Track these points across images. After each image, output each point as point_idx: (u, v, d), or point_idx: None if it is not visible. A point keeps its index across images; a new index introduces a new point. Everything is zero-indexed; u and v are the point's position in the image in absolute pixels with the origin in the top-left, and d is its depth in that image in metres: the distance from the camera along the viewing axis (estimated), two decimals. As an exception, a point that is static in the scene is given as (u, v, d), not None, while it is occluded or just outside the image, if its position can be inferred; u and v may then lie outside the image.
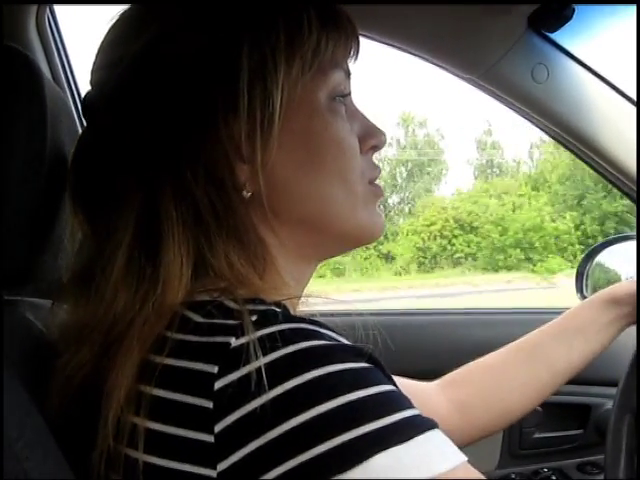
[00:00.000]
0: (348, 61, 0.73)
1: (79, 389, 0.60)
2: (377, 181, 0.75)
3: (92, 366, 0.60)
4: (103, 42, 0.71)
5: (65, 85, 1.41)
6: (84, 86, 1.45)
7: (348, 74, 0.73)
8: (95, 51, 0.72)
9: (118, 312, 0.60)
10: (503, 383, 1.01)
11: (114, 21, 0.71)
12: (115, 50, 0.69)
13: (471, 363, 1.05)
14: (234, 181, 0.65)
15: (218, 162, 0.64)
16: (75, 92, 1.46)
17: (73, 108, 1.40)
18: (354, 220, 0.71)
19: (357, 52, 0.74)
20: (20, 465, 0.54)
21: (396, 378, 0.91)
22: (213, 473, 0.51)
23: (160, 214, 0.62)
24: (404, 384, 0.97)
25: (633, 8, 1.06)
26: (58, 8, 1.38)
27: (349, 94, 0.73)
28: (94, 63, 0.72)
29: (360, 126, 0.73)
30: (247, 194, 0.65)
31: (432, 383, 1.06)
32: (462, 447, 0.54)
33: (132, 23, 0.70)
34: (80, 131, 0.75)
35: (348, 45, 0.72)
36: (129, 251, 0.62)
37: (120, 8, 0.72)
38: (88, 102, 0.72)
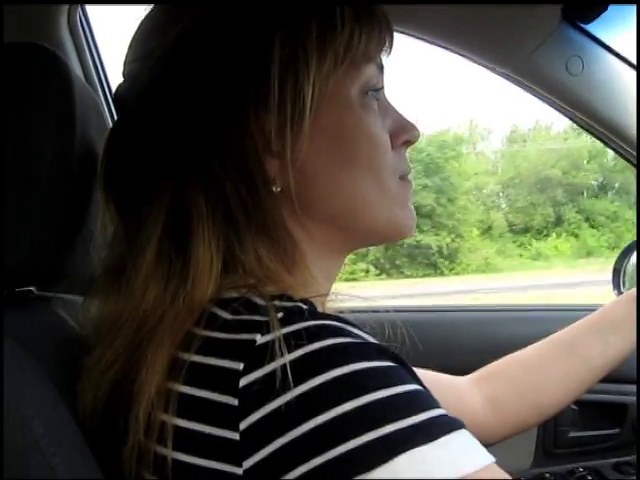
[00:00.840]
0: (382, 55, 0.72)
1: (111, 384, 0.60)
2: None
3: (124, 361, 0.60)
4: (136, 34, 0.72)
5: (97, 83, 1.42)
6: (116, 84, 1.47)
7: (381, 68, 0.72)
8: (128, 44, 0.72)
9: (148, 307, 0.60)
10: (538, 378, 1.00)
11: (147, 13, 0.71)
12: (147, 43, 0.70)
13: (506, 357, 1.04)
14: (264, 176, 0.64)
15: (248, 157, 0.64)
16: (107, 90, 1.47)
17: (105, 106, 1.42)
18: (385, 216, 0.70)
19: (391, 46, 0.73)
20: (46, 461, 0.54)
21: (429, 372, 0.92)
22: (239, 470, 0.50)
23: (190, 209, 0.62)
24: (437, 378, 0.97)
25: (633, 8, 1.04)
26: (90, 7, 1.39)
27: (382, 88, 0.72)
28: (127, 55, 0.72)
29: (392, 121, 0.73)
30: (277, 189, 0.65)
31: (466, 377, 1.04)
32: (496, 443, 0.53)
33: (165, 16, 0.71)
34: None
35: (382, 39, 0.71)
36: (159, 246, 0.62)
37: (149, 6, 0.72)
38: (120, 94, 0.72)
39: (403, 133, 0.73)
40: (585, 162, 20.10)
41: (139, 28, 0.72)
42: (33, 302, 0.75)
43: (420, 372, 0.59)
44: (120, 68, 0.74)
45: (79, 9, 1.33)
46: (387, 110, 0.73)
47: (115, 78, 1.46)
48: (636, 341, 0.98)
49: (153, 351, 0.57)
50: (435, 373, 0.97)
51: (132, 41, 0.72)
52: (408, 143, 0.74)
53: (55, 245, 0.71)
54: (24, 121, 0.67)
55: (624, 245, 1.52)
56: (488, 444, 0.93)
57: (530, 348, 1.03)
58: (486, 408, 0.99)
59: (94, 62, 1.41)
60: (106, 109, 1.40)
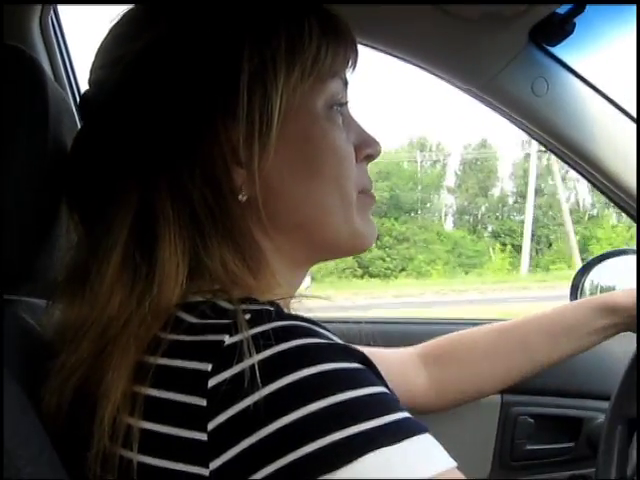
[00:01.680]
0: (346, 71, 0.74)
1: (76, 390, 0.60)
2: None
3: (88, 367, 0.60)
4: (104, 41, 0.72)
5: (67, 86, 1.41)
6: (85, 87, 1.46)
7: (346, 83, 0.74)
8: (95, 50, 0.72)
9: (113, 312, 0.60)
10: (483, 367, 1.07)
11: (116, 21, 0.71)
12: (116, 49, 0.69)
13: (454, 335, 1.11)
14: (230, 184, 0.65)
15: (215, 165, 0.64)
16: (77, 93, 1.45)
17: (74, 109, 1.40)
18: (348, 228, 0.71)
19: (355, 62, 0.75)
20: (12, 464, 0.53)
21: (375, 349, 0.94)
22: (205, 472, 0.51)
23: (156, 213, 0.62)
24: (382, 354, 0.99)
25: (633, 8, 1.06)
26: (61, 9, 1.38)
27: (346, 103, 0.74)
28: (94, 62, 0.72)
29: (356, 135, 0.74)
30: (243, 198, 0.66)
31: (413, 349, 1.10)
32: (452, 454, 0.55)
33: (134, 23, 0.71)
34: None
35: (347, 55, 0.72)
36: (125, 250, 0.62)
37: (122, 8, 0.72)
38: (86, 100, 0.72)
39: (366, 147, 0.74)
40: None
41: (108, 35, 0.72)
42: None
43: (367, 350, 0.60)
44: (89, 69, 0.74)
45: (51, 11, 1.32)
46: (351, 124, 0.74)
47: (85, 81, 1.45)
48: (636, 346, 1.01)
49: (118, 356, 0.57)
50: (382, 350, 1.01)
51: (100, 47, 0.72)
52: (370, 157, 0.76)
53: (21, 248, 0.70)
54: None
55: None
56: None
57: (479, 332, 1.10)
58: (429, 387, 1.05)
59: (64, 64, 1.40)
60: (76, 113, 1.39)
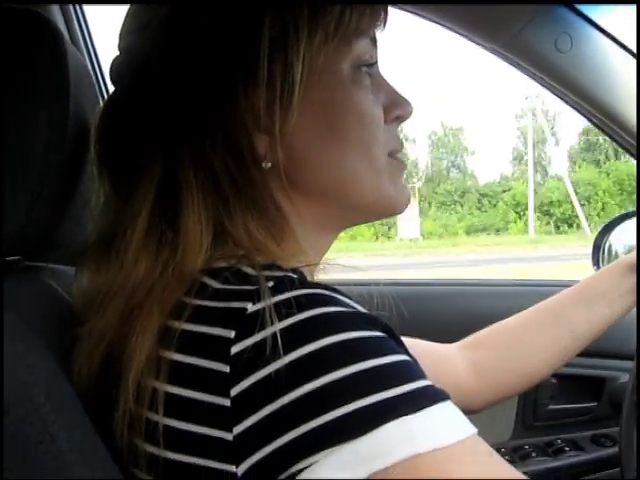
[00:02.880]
0: (374, 30, 0.72)
1: (103, 355, 0.61)
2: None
3: (115, 332, 0.60)
4: (131, 7, 0.71)
5: (84, 50, 1.40)
6: (102, 52, 1.45)
7: (374, 42, 0.72)
8: (124, 16, 0.72)
9: (139, 278, 0.60)
10: (523, 345, 1.02)
11: None
12: (143, 14, 0.69)
13: (492, 326, 1.06)
14: (253, 151, 0.65)
15: (237, 132, 0.64)
16: (94, 58, 1.45)
17: (92, 74, 1.40)
18: (377, 192, 0.71)
19: (385, 21, 0.73)
20: (46, 429, 0.54)
21: (415, 340, 0.93)
22: (229, 436, 0.51)
23: (180, 181, 0.62)
24: (423, 346, 0.98)
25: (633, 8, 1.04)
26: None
27: (375, 63, 0.72)
28: (122, 27, 0.72)
29: (386, 96, 0.72)
30: (266, 165, 0.65)
31: (451, 345, 1.06)
32: (481, 409, 0.55)
33: None
34: (99, 97, 0.74)
35: (374, 15, 0.70)
36: (150, 217, 0.62)
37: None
38: (116, 67, 0.72)
39: (396, 108, 0.73)
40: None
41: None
42: (24, 272, 0.75)
43: (405, 340, 0.60)
44: (107, 36, 0.73)
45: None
46: (380, 85, 0.73)
47: (101, 46, 1.44)
48: (637, 332, 1.00)
49: (143, 320, 0.58)
50: (420, 341, 0.98)
51: (128, 13, 0.71)
52: (400, 119, 0.74)
53: (48, 215, 0.70)
54: (17, 89, 0.67)
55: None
56: (473, 410, 0.96)
57: (515, 316, 1.05)
58: (471, 374, 1.01)
59: (81, 30, 1.39)
60: (93, 77, 1.39)
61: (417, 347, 0.59)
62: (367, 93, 0.70)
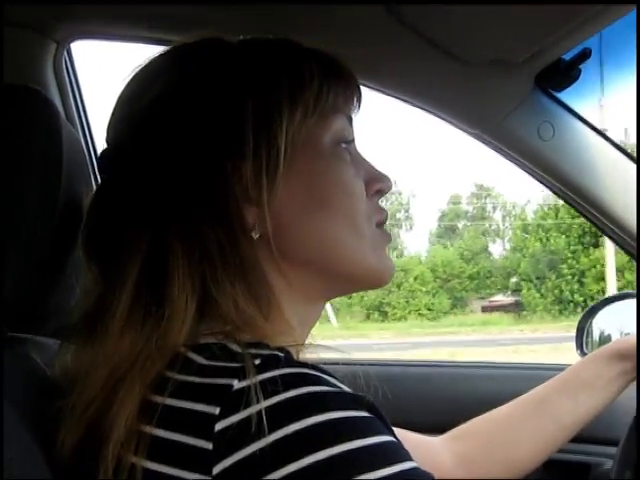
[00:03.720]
0: (351, 109, 0.76)
1: (87, 427, 0.60)
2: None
3: (97, 405, 0.59)
4: (118, 100, 0.74)
5: (78, 125, 1.42)
6: (97, 128, 1.48)
7: (350, 120, 0.75)
8: (111, 110, 0.74)
9: (124, 351, 0.60)
10: (509, 437, 1.00)
11: (127, 79, 0.73)
12: (127, 106, 0.72)
13: (477, 417, 1.04)
14: (242, 222, 0.66)
15: (227, 203, 0.65)
16: (87, 132, 1.47)
17: (85, 149, 1.42)
18: (363, 263, 0.72)
19: (359, 101, 0.77)
20: None
21: (400, 430, 0.92)
22: None
23: (166, 253, 0.63)
24: (408, 437, 0.96)
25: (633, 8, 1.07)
26: (75, 50, 1.41)
27: (352, 140, 0.75)
28: (110, 121, 0.74)
29: (366, 171, 0.75)
30: (255, 235, 0.66)
31: (437, 438, 1.04)
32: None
33: (142, 79, 0.73)
34: (91, 173, 0.76)
35: (348, 93, 0.74)
36: (135, 289, 0.62)
37: (135, 64, 0.74)
38: (105, 158, 0.73)
39: (376, 182, 0.75)
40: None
41: (121, 94, 0.73)
42: (6, 343, 0.74)
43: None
44: (102, 112, 0.75)
45: (65, 51, 1.35)
46: (360, 162, 0.75)
47: (96, 122, 1.47)
48: (637, 363, 0.99)
49: (124, 393, 0.57)
50: (407, 433, 0.97)
51: (115, 107, 0.74)
52: (380, 192, 0.77)
53: (34, 286, 0.70)
54: (11, 162, 0.68)
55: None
56: None
57: (501, 408, 1.04)
58: (457, 466, 0.99)
59: (76, 105, 1.41)
60: (86, 150, 1.40)
61: (404, 439, 0.58)
62: (348, 167, 0.72)
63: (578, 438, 1.03)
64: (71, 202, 0.73)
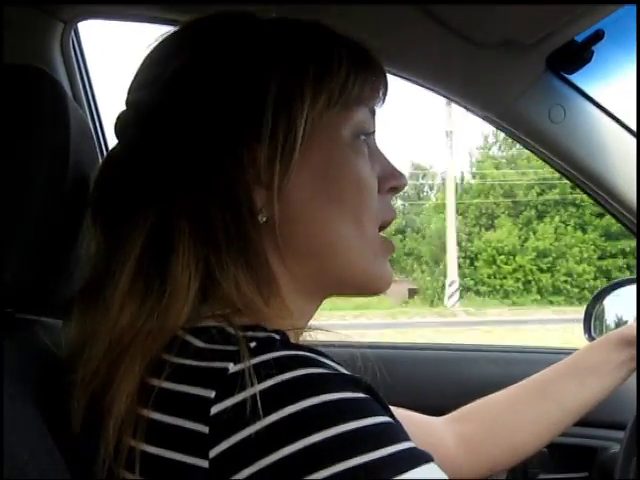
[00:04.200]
0: (376, 101, 0.74)
1: (92, 400, 0.60)
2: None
3: (101, 377, 0.59)
4: (142, 64, 0.73)
5: (86, 106, 1.42)
6: (104, 108, 1.47)
7: (373, 113, 0.74)
8: (135, 72, 0.73)
9: (124, 324, 0.60)
10: (512, 419, 1.00)
11: (153, 45, 0.72)
12: (151, 71, 0.71)
13: (479, 399, 1.04)
14: (251, 205, 0.65)
15: (237, 184, 0.65)
16: (95, 114, 1.47)
17: (93, 129, 1.42)
18: (361, 265, 0.71)
19: (385, 94, 0.75)
20: None
21: (403, 411, 0.92)
22: None
23: (173, 228, 0.63)
24: (411, 417, 0.96)
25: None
26: (83, 30, 1.40)
27: (373, 133, 0.74)
28: (132, 83, 0.73)
29: (381, 166, 0.74)
30: (262, 219, 0.66)
31: (439, 418, 1.04)
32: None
33: (169, 45, 0.72)
34: (99, 153, 0.75)
35: (375, 85, 0.73)
36: (138, 262, 0.62)
37: (161, 31, 0.73)
38: (121, 120, 0.73)
39: (391, 179, 0.74)
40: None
41: (145, 59, 0.73)
42: (14, 325, 0.75)
43: (396, 411, 0.60)
44: (109, 93, 0.75)
45: (72, 31, 1.34)
46: (377, 155, 0.74)
47: (103, 101, 1.47)
48: (636, 356, 0.99)
49: (125, 368, 0.57)
50: (410, 413, 0.97)
51: (138, 71, 0.73)
52: (394, 190, 0.75)
53: (41, 268, 0.70)
54: (18, 143, 0.67)
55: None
56: None
57: (504, 390, 1.04)
58: (459, 447, 0.99)
59: (84, 85, 1.41)
60: (94, 132, 1.40)
61: (406, 419, 0.58)
62: (365, 161, 0.71)
63: (584, 422, 1.03)
64: (79, 183, 0.73)
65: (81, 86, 1.40)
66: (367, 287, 0.73)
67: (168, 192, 0.64)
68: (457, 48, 1.15)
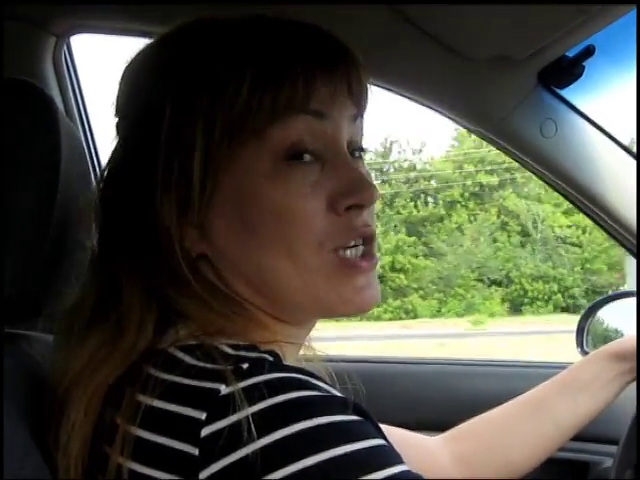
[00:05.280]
0: (324, 99, 0.65)
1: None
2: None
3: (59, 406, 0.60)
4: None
5: (78, 121, 1.42)
6: (96, 122, 1.47)
7: (320, 117, 0.65)
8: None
9: (83, 355, 0.61)
10: (507, 437, 1.00)
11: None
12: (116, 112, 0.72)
13: (474, 418, 1.04)
14: (181, 243, 0.64)
15: (166, 226, 0.64)
16: (87, 128, 1.47)
17: (85, 143, 1.42)
18: (311, 293, 0.65)
19: (338, 82, 0.66)
20: None
21: (398, 430, 0.91)
22: None
23: (121, 280, 0.64)
24: (404, 437, 0.96)
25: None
26: (75, 44, 1.40)
27: (311, 151, 0.65)
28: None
29: (338, 183, 0.65)
30: (194, 254, 0.65)
31: (434, 437, 1.04)
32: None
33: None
34: (91, 168, 0.76)
35: (310, 83, 0.63)
36: (96, 302, 0.64)
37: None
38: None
39: (349, 196, 0.65)
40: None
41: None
42: (4, 339, 0.74)
43: (388, 429, 0.59)
44: (102, 108, 0.75)
45: (64, 45, 1.34)
46: (330, 172, 0.65)
47: (96, 116, 1.47)
48: (637, 366, 0.99)
49: (75, 395, 0.59)
50: (403, 431, 0.97)
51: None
52: (357, 207, 0.65)
53: (31, 283, 0.70)
54: (8, 157, 0.67)
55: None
56: None
57: (498, 408, 1.04)
58: (454, 467, 0.98)
59: (76, 99, 1.41)
60: (86, 147, 1.40)
61: (401, 439, 0.58)
62: (294, 186, 0.63)
63: (577, 436, 1.03)
64: (69, 200, 0.73)
65: (73, 100, 1.40)
66: (333, 311, 0.68)
67: (114, 250, 0.66)
68: (449, 63, 1.15)
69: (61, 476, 0.56)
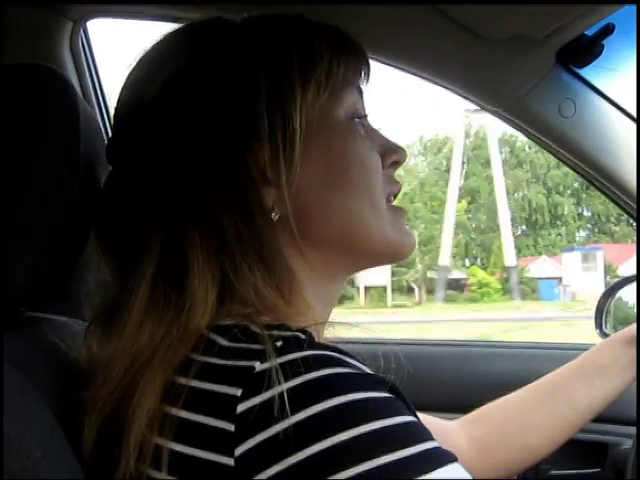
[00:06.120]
0: (360, 82, 0.76)
1: (108, 419, 0.60)
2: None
3: (118, 395, 0.60)
4: (123, 86, 0.73)
5: (95, 105, 1.42)
6: (113, 106, 1.47)
7: (361, 93, 0.76)
8: (117, 95, 0.74)
9: (143, 341, 0.60)
10: (524, 421, 1.00)
11: (132, 65, 0.73)
12: (134, 92, 0.71)
13: (491, 402, 1.05)
14: (261, 205, 0.66)
15: (245, 188, 0.65)
16: (105, 112, 1.47)
17: (103, 129, 1.42)
18: (384, 238, 0.72)
19: (368, 74, 0.77)
20: None
21: (420, 415, 0.92)
22: None
23: (184, 242, 0.63)
24: (427, 422, 0.96)
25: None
26: (91, 28, 1.40)
27: (366, 116, 0.76)
28: (116, 108, 0.74)
29: (380, 144, 0.75)
30: (275, 217, 0.66)
31: (452, 421, 1.05)
32: None
33: (149, 63, 0.72)
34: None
35: (358, 66, 0.75)
36: (153, 280, 0.63)
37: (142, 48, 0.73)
38: (112, 148, 0.74)
39: (391, 154, 0.76)
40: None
41: (126, 80, 0.73)
42: (25, 323, 0.75)
43: None
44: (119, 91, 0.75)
45: (81, 30, 1.34)
46: (373, 134, 0.75)
47: (113, 100, 1.47)
48: (637, 360, 0.99)
49: (146, 380, 0.58)
50: (424, 416, 0.97)
51: (120, 94, 0.73)
52: (396, 164, 0.77)
53: (51, 267, 0.70)
54: (28, 143, 0.68)
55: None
56: None
57: (516, 393, 1.04)
58: (472, 451, 0.99)
59: (93, 83, 1.41)
60: (103, 131, 1.40)
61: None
62: (363, 140, 0.72)
63: (596, 418, 1.03)
64: (89, 183, 0.73)
65: (90, 85, 1.40)
66: (392, 256, 0.75)
67: (174, 208, 0.65)
68: (467, 43, 1.14)
69: (125, 446, 0.56)
